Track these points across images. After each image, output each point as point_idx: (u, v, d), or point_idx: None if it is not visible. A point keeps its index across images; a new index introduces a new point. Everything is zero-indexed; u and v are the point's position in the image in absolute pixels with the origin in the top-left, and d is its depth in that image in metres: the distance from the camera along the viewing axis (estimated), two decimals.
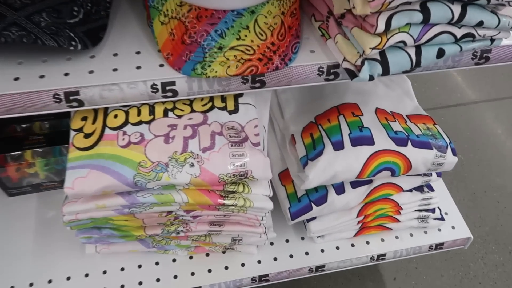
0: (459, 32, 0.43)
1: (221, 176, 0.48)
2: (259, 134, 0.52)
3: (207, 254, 0.66)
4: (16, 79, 0.42)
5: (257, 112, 0.53)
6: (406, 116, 0.70)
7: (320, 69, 0.47)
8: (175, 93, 0.45)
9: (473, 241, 0.77)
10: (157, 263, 0.64)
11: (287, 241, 0.68)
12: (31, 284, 0.61)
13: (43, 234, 0.66)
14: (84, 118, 0.50)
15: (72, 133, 0.49)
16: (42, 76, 0.43)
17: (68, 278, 0.62)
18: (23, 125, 0.67)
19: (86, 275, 0.62)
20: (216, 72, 0.41)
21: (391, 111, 0.69)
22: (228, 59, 0.42)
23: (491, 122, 1.22)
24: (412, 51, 0.44)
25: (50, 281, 0.62)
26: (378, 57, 0.43)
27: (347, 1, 0.40)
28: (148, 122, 0.49)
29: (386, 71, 0.44)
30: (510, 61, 0.51)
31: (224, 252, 0.66)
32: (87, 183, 0.46)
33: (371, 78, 0.43)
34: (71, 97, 0.43)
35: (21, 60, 0.43)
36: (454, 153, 0.64)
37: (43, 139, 0.66)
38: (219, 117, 0.51)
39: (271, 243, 0.67)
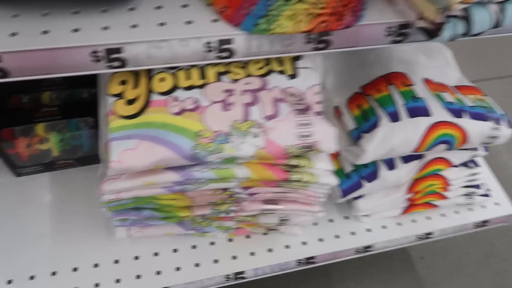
0: None
1: (287, 148, 0.42)
2: (321, 102, 0.46)
3: (247, 236, 0.60)
4: (45, 32, 0.35)
5: (318, 77, 0.47)
6: (454, 87, 0.66)
7: (389, 29, 0.41)
8: (231, 53, 0.38)
9: None
10: (194, 247, 0.58)
11: (330, 220, 0.64)
12: (53, 273, 0.54)
13: (60, 218, 0.59)
14: (123, 82, 0.43)
15: (111, 99, 0.42)
16: (76, 30, 0.35)
17: (96, 265, 0.56)
18: (30, 95, 0.59)
19: (116, 261, 0.56)
20: (284, 27, 0.35)
21: (438, 82, 0.65)
22: (297, 13, 0.36)
23: None
24: (495, 8, 0.39)
25: (75, 269, 0.55)
26: (462, 14, 0.38)
27: None
28: (201, 87, 0.43)
29: (469, 31, 0.39)
30: None
31: (265, 234, 0.60)
32: (137, 156, 0.39)
33: (452, 38, 0.38)
34: (113, 56, 0.36)
35: (46, 10, 0.36)
36: (509, 126, 0.61)
37: (58, 110, 0.58)
38: (279, 82, 0.45)
39: (314, 223, 0.63)
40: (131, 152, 0.39)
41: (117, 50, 0.35)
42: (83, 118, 0.58)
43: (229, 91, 0.43)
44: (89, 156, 0.63)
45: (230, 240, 0.60)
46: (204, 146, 0.40)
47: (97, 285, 0.54)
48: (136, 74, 0.43)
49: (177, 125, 0.40)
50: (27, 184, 0.62)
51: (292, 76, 0.46)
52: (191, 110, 0.41)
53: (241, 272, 0.57)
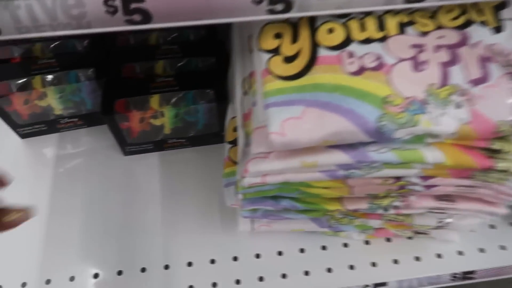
0: None
1: (499, 124, 0.30)
2: None
3: (388, 239, 0.49)
4: None
5: None
6: None
7: None
8: None
9: None
10: (324, 248, 0.49)
11: (492, 227, 0.51)
12: (166, 266, 0.47)
13: (170, 205, 0.52)
14: (279, 35, 0.33)
15: (264, 55, 0.33)
16: None
17: (213, 261, 0.48)
18: (144, 64, 0.52)
19: (235, 258, 0.48)
20: None
21: None
22: None
23: None
24: None
25: (190, 264, 0.48)
26: None
27: None
28: (381, 40, 0.32)
29: None
30: None
31: (410, 238, 0.49)
32: (305, 127, 0.30)
33: None
34: None
35: None
36: None
37: (174, 81, 0.51)
38: (483, 36, 0.33)
39: (472, 229, 0.50)
40: (296, 121, 0.30)
41: None
42: (202, 90, 0.50)
43: (419, 46, 0.32)
44: (202, 135, 0.56)
45: (367, 242, 0.49)
46: (393, 117, 0.29)
47: (214, 284, 0.46)
48: (293, 25, 0.34)
49: (357, 88, 0.30)
50: (134, 164, 0.56)
51: (497, 30, 0.34)
52: (374, 69, 0.31)
53: (383, 284, 0.47)
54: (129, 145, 0.55)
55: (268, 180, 0.35)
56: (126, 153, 0.57)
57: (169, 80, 0.50)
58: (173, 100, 0.51)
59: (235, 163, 0.46)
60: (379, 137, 0.30)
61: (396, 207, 0.39)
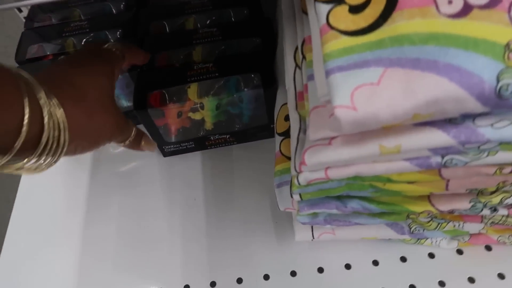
0: None
1: None
2: None
3: (488, 248, 0.39)
4: None
5: None
6: None
7: None
8: None
9: None
10: (403, 259, 0.39)
11: None
12: (212, 284, 0.40)
13: (216, 213, 0.45)
14: None
15: (323, 7, 0.25)
16: None
17: (266, 277, 0.40)
18: (180, 51, 0.46)
19: (293, 273, 0.40)
20: None
21: None
22: None
23: None
24: None
25: (239, 280, 0.40)
26: None
27: None
28: None
29: None
30: None
31: None
32: (385, 96, 0.21)
33: None
34: None
35: None
36: None
37: (213, 67, 0.44)
38: None
39: None
40: (371, 89, 0.21)
41: None
42: (246, 75, 0.43)
43: None
44: (248, 130, 0.48)
45: (460, 252, 0.39)
46: None
47: None
48: None
49: (462, 34, 0.21)
50: (175, 167, 0.50)
51: None
52: (485, 6, 0.21)
53: None
54: (168, 144, 0.49)
55: (332, 175, 0.27)
56: (166, 153, 0.51)
57: (208, 66, 0.44)
58: (214, 89, 0.44)
59: (288, 158, 0.38)
60: (499, 104, 0.21)
61: (510, 206, 0.29)
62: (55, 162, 0.26)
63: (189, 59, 0.46)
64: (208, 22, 0.49)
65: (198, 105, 0.45)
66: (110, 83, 0.32)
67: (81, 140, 0.28)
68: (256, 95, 0.44)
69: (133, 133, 0.36)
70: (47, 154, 0.25)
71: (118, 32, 0.50)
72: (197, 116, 0.46)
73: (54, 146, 0.25)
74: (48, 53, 0.50)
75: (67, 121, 0.26)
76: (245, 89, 0.43)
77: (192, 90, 0.44)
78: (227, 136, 0.49)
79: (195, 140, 0.49)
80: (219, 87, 0.44)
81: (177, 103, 0.44)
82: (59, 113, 0.25)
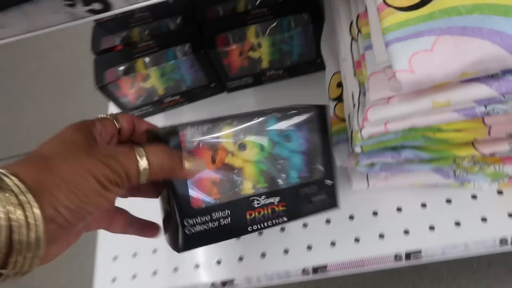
0: None
1: None
2: None
3: None
4: None
5: None
6: None
7: None
8: None
9: None
10: (449, 201, 0.45)
11: None
12: (282, 229, 0.48)
13: None
14: None
15: None
16: None
17: (328, 221, 0.47)
18: None
19: (351, 217, 0.46)
20: None
21: None
22: None
23: None
24: None
25: (305, 225, 0.47)
26: None
27: None
28: None
29: None
30: None
31: None
32: (438, 60, 0.26)
33: None
34: None
35: None
36: None
37: (268, 11, 0.51)
38: None
39: None
40: (426, 55, 0.26)
41: None
42: (297, 14, 0.49)
43: None
44: (298, 65, 0.56)
45: (501, 192, 0.44)
46: None
47: (333, 243, 0.45)
48: None
49: (501, 3, 0.26)
50: (237, 101, 0.59)
51: None
52: None
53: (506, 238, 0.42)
54: (230, 80, 0.57)
55: (391, 128, 0.32)
56: (229, 89, 0.59)
57: (264, 11, 0.51)
58: (269, 29, 0.51)
59: (342, 120, 0.43)
60: None
61: None
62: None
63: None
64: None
65: (256, 45, 0.52)
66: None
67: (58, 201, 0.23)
68: (305, 32, 0.50)
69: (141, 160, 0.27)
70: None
71: (178, 19, 0.56)
72: (255, 55, 0.53)
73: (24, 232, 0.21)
74: (117, 44, 0.57)
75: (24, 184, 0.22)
76: (296, 28, 0.50)
77: (251, 31, 0.51)
78: (280, 72, 0.57)
79: (254, 76, 0.57)
80: (273, 27, 0.51)
81: (239, 43, 0.51)
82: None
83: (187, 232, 0.31)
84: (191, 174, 0.30)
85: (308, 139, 0.36)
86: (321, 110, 0.36)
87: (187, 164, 0.29)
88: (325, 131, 0.36)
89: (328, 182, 0.36)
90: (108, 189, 0.25)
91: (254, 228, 0.33)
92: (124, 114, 0.32)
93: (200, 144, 0.32)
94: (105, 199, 0.25)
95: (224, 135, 0.32)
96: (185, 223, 0.31)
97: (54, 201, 0.23)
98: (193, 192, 0.31)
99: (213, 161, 0.33)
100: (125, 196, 0.33)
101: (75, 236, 0.28)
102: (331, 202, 0.37)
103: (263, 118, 0.34)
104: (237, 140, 0.33)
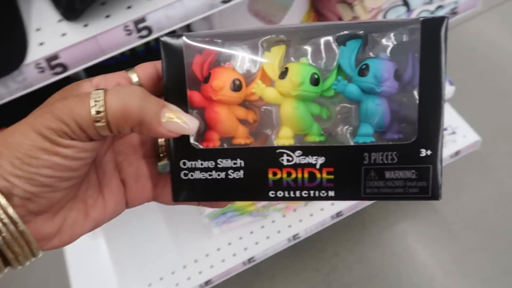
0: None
1: None
2: None
3: (295, 210, 0.89)
4: (85, 25, 0.44)
5: None
6: None
7: None
8: None
9: None
10: (262, 227, 0.88)
11: None
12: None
13: None
14: None
15: None
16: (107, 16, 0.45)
17: (207, 255, 0.86)
18: None
19: (218, 249, 0.87)
20: None
21: None
22: None
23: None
24: None
25: (196, 261, 0.86)
26: None
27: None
28: None
29: None
30: None
31: (306, 205, 0.89)
32: None
33: None
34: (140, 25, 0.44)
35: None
36: None
37: None
38: None
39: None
40: None
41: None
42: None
43: None
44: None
45: (284, 216, 0.89)
46: None
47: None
48: None
49: None
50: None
51: None
52: None
53: (297, 234, 0.86)
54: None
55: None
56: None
57: None
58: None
59: None
60: None
61: None
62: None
63: None
64: None
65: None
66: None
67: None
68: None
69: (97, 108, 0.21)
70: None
71: None
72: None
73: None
74: None
75: None
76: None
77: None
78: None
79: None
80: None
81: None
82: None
83: (182, 176, 0.25)
84: (171, 132, 0.23)
85: (403, 77, 0.24)
86: (432, 27, 0.23)
87: (165, 116, 0.22)
88: (437, 62, 0.23)
89: (424, 152, 0.24)
90: (58, 143, 0.21)
91: (279, 195, 0.25)
92: (144, 64, 0.26)
93: (217, 59, 0.25)
94: (61, 156, 0.21)
95: (266, 55, 0.25)
96: (181, 165, 0.25)
97: (2, 171, 0.20)
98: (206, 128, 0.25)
99: (236, 88, 0.25)
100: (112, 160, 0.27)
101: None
102: (422, 188, 0.24)
103: (330, 36, 0.24)
104: (284, 62, 0.24)
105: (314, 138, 0.26)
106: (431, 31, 0.23)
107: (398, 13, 0.63)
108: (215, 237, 0.87)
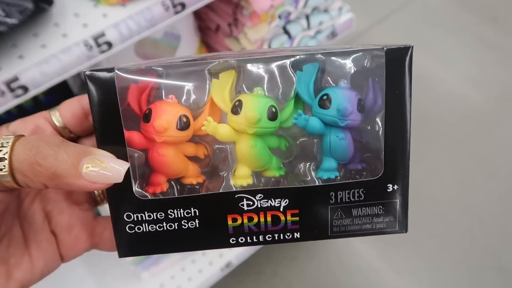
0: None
1: None
2: None
3: None
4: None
5: None
6: None
7: None
8: None
9: None
10: (193, 261, 0.87)
11: None
12: None
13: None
14: None
15: None
16: None
17: None
18: None
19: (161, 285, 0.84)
20: None
21: None
22: None
23: None
24: None
25: None
26: None
27: None
28: None
29: None
30: None
31: None
32: None
33: None
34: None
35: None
36: None
37: None
38: None
39: None
40: None
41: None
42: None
43: None
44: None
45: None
46: None
47: None
48: None
49: None
50: None
51: None
52: None
53: (229, 262, 0.87)
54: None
55: None
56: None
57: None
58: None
59: None
60: None
61: None
62: None
63: None
64: None
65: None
66: None
67: None
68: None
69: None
70: None
71: None
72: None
73: None
74: None
75: None
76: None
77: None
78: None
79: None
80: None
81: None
82: None
83: (128, 230, 0.22)
84: (95, 184, 0.19)
85: (366, 105, 0.23)
86: (396, 55, 0.22)
87: (85, 166, 0.19)
88: (401, 93, 0.22)
89: (391, 187, 0.23)
90: None
91: (240, 241, 0.23)
92: (68, 101, 0.23)
93: (157, 90, 0.21)
94: None
95: (214, 82, 0.22)
96: (125, 218, 0.22)
97: None
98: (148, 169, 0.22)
99: (183, 126, 0.22)
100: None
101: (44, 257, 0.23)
102: (389, 222, 0.23)
103: (288, 59, 0.22)
104: (235, 93, 0.22)
105: (273, 173, 0.24)
106: (395, 61, 0.22)
107: (280, 41, 0.68)
108: (145, 282, 0.84)
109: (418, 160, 1.14)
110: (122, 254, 0.23)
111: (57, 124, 0.24)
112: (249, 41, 0.66)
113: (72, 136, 0.25)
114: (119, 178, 0.20)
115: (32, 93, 0.47)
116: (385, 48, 0.22)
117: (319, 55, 0.22)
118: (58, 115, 0.23)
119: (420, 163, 1.16)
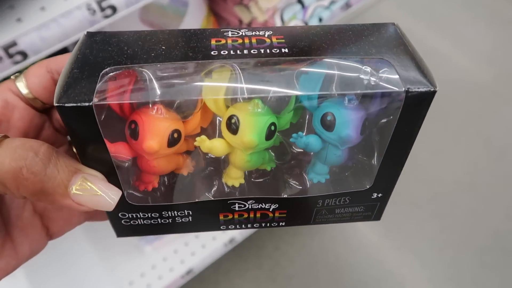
0: None
1: None
2: None
3: None
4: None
5: None
6: None
7: None
8: None
9: None
10: (196, 236, 0.86)
11: None
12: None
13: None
14: None
15: None
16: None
17: (153, 267, 0.83)
18: None
19: (153, 267, 0.84)
20: None
21: None
22: None
23: None
24: None
25: (131, 283, 0.82)
26: None
27: None
28: None
29: None
30: None
31: None
32: None
33: None
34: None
35: None
36: None
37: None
38: None
39: None
40: None
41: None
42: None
43: None
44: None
45: None
46: None
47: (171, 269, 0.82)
48: None
49: None
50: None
51: None
52: None
53: (233, 238, 0.86)
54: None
55: None
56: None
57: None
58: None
59: None
60: None
61: None
62: None
63: None
64: None
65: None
66: None
67: None
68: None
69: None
70: None
71: None
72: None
73: None
74: None
75: None
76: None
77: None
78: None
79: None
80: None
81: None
82: None
83: (123, 223, 0.23)
84: (82, 206, 0.18)
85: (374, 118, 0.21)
86: (416, 102, 0.20)
87: (76, 186, 0.17)
88: (410, 134, 0.21)
89: (375, 195, 0.24)
90: None
91: (230, 228, 0.24)
92: (34, 68, 0.21)
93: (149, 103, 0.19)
94: None
95: (207, 88, 0.19)
96: (121, 216, 0.22)
97: None
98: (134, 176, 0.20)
99: (174, 142, 0.20)
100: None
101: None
102: (366, 216, 0.25)
103: (288, 71, 0.19)
104: (230, 100, 0.20)
105: (265, 166, 0.25)
106: (414, 105, 0.20)
107: (293, 11, 0.64)
108: (148, 255, 0.84)
109: (424, 138, 1.12)
110: (119, 235, 0.25)
111: (26, 95, 0.21)
112: (260, 10, 0.62)
113: (46, 106, 0.22)
114: (109, 208, 0.19)
115: (31, 59, 0.44)
116: (405, 90, 0.20)
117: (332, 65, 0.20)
118: (25, 86, 0.21)
119: (426, 142, 1.15)
